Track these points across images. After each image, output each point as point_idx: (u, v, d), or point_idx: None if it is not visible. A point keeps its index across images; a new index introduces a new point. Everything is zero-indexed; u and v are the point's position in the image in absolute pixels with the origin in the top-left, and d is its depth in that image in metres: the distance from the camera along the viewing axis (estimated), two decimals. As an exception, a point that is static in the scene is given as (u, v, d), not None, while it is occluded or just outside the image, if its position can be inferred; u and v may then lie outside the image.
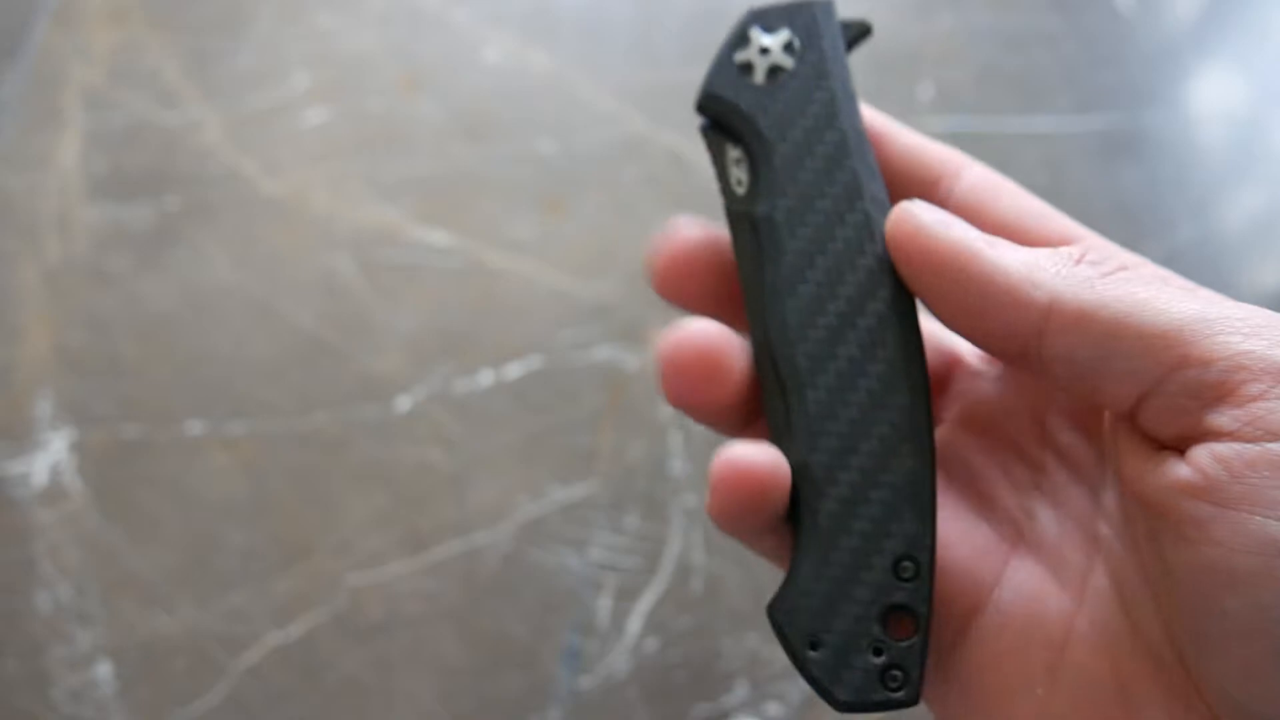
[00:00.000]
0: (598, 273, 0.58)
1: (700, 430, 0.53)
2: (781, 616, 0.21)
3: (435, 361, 0.55)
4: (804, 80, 0.23)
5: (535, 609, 0.49)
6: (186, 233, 0.59)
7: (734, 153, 0.23)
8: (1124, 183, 0.61)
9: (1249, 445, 0.16)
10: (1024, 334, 0.19)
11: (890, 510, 0.21)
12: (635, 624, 0.48)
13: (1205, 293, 0.19)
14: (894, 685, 0.20)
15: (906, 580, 0.20)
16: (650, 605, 0.49)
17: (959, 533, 0.22)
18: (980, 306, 0.19)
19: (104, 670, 0.47)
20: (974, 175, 0.24)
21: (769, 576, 0.49)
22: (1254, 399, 0.16)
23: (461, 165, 0.62)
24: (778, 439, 0.22)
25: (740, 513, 0.20)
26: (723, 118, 0.23)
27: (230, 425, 0.53)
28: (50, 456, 0.52)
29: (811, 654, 0.21)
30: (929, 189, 0.24)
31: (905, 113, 0.62)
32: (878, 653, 0.20)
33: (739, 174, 0.23)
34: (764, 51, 0.23)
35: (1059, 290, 0.19)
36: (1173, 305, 0.18)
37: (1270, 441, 0.16)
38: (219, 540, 0.50)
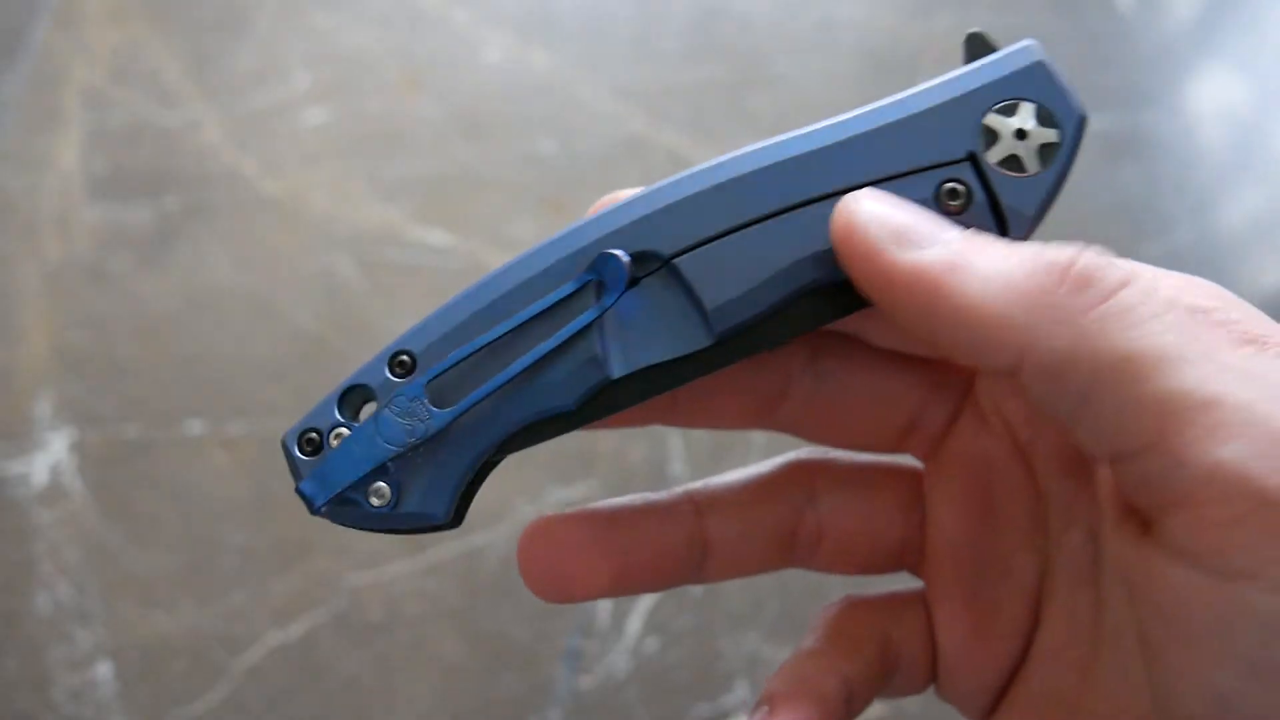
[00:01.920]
0: (598, 273, 0.58)
1: (700, 434, 0.53)
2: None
3: (435, 361, 0.55)
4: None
5: (535, 609, 0.49)
6: (187, 233, 0.59)
7: None
8: (1124, 183, 0.61)
9: (1194, 573, 0.15)
10: (999, 370, 0.17)
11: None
12: (635, 624, 0.48)
13: (1211, 320, 0.16)
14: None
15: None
16: (650, 605, 0.49)
17: (976, 616, 0.22)
18: (947, 340, 0.17)
19: (104, 670, 0.47)
20: None
21: (769, 577, 0.49)
22: (1213, 524, 0.15)
23: (461, 165, 0.61)
24: None
25: None
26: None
27: (230, 425, 0.53)
28: (50, 456, 0.52)
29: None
30: None
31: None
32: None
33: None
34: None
35: (1033, 332, 0.16)
36: (1156, 372, 0.15)
37: (1213, 578, 0.15)
38: (219, 540, 0.50)
